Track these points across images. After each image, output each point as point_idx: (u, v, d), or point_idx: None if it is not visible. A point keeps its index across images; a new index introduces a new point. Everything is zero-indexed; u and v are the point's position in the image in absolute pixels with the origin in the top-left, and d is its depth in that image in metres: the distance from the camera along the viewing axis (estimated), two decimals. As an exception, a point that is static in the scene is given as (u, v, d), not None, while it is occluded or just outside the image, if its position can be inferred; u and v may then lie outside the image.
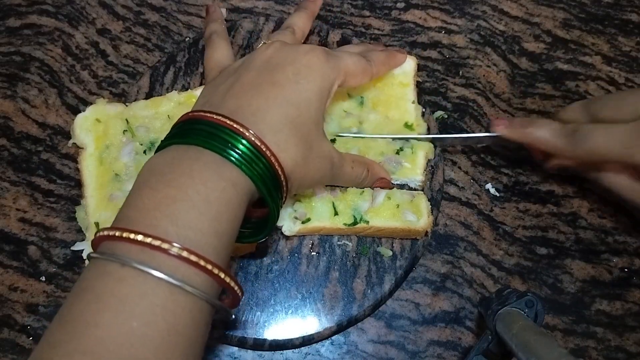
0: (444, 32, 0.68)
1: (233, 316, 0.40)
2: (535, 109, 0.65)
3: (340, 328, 0.53)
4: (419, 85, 0.61)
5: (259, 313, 0.52)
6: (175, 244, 0.33)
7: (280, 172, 0.41)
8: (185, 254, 0.33)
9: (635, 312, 0.56)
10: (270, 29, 0.64)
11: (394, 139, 0.58)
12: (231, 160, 0.39)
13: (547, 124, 0.55)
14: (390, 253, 0.55)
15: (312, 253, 0.55)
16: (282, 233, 0.55)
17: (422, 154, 0.57)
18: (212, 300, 0.35)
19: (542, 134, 0.54)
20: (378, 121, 0.58)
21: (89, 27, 0.67)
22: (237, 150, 0.39)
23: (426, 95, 0.64)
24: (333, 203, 0.54)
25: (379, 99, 0.59)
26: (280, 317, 0.52)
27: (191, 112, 0.43)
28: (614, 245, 0.59)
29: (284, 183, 0.42)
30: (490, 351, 0.47)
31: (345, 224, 0.54)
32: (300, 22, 0.59)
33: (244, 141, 0.39)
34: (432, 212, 0.56)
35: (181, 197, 0.35)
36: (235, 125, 0.40)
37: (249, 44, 0.63)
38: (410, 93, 0.60)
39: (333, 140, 0.57)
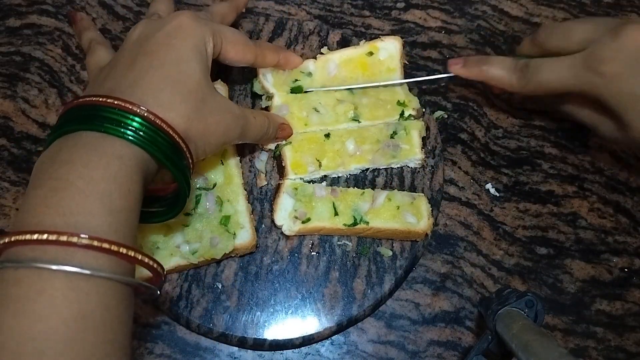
0: (444, 32, 0.68)
1: (158, 292, 0.40)
2: (535, 109, 0.64)
3: (340, 328, 0.53)
4: (406, 67, 0.61)
5: (259, 313, 0.52)
6: (63, 234, 0.33)
7: (172, 133, 0.40)
8: (75, 239, 0.33)
9: (635, 312, 0.56)
10: (270, 29, 0.64)
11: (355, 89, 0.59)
12: (111, 133, 0.38)
13: (500, 61, 0.56)
14: (390, 253, 0.55)
15: (312, 253, 0.55)
16: (282, 233, 0.55)
17: (416, 132, 0.58)
18: (121, 278, 0.35)
19: (495, 72, 0.55)
20: (371, 104, 0.59)
21: (89, 27, 0.66)
22: (115, 122, 0.38)
23: (426, 95, 0.64)
24: (333, 203, 0.54)
25: (368, 87, 0.60)
26: (280, 317, 0.52)
27: (65, 104, 0.42)
28: (614, 245, 0.59)
29: (181, 143, 0.41)
30: (490, 351, 0.47)
31: (345, 225, 0.54)
32: (163, 6, 0.56)
33: (121, 112, 0.39)
34: (432, 213, 0.56)
35: (63, 186, 0.35)
36: (108, 100, 0.39)
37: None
38: (398, 77, 0.60)
39: (327, 135, 0.57)
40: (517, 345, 0.42)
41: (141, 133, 0.39)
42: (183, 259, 0.51)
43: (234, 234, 0.52)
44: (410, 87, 0.61)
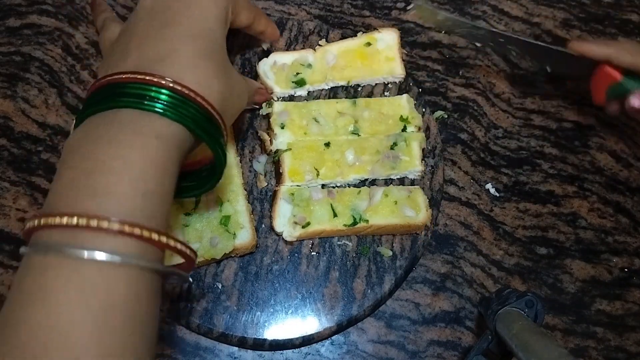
0: (444, 32, 0.68)
1: (191, 280, 0.38)
2: (535, 109, 0.65)
3: (340, 328, 0.53)
4: (404, 60, 0.62)
5: (259, 313, 0.52)
6: (93, 217, 0.31)
7: (211, 110, 0.39)
8: (106, 224, 0.31)
9: (635, 312, 0.56)
10: (270, 29, 0.64)
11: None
12: (152, 111, 0.36)
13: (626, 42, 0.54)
14: (390, 253, 0.55)
15: (312, 253, 0.55)
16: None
17: (416, 144, 0.58)
18: (152, 266, 0.33)
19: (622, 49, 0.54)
20: (372, 118, 0.58)
21: (89, 27, 0.66)
22: (157, 101, 0.36)
23: (426, 95, 0.64)
24: (331, 205, 0.54)
25: (371, 99, 0.60)
26: (280, 317, 0.52)
27: (95, 81, 0.39)
28: (613, 245, 0.59)
29: (219, 120, 0.40)
30: (490, 351, 0.47)
31: (345, 225, 0.54)
32: None
33: (163, 90, 0.36)
34: (432, 212, 0.56)
35: (97, 167, 0.33)
36: (147, 78, 0.37)
37: (249, 44, 0.63)
38: (398, 68, 0.61)
39: (327, 144, 0.57)
40: (517, 345, 0.42)
41: (181, 110, 0.37)
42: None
43: (234, 234, 0.52)
44: (409, 88, 0.61)
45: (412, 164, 0.57)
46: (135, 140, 0.35)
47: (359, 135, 0.58)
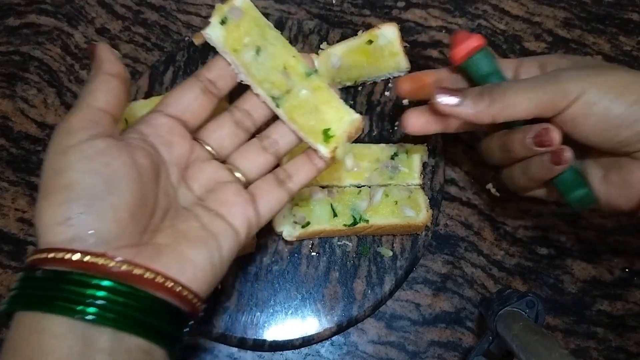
0: (445, 32, 0.68)
1: None
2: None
3: (340, 329, 0.53)
4: (406, 49, 0.61)
5: (258, 314, 0.52)
6: None
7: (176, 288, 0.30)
8: None
9: (636, 312, 0.56)
10: (270, 29, 0.64)
11: None
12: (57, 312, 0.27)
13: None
14: (391, 253, 0.55)
15: (312, 253, 0.55)
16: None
17: (417, 157, 0.57)
18: None
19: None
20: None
21: (88, 27, 0.66)
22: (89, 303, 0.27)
23: (426, 94, 0.64)
24: (331, 205, 0.54)
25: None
26: (280, 317, 0.52)
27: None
28: (614, 245, 0.59)
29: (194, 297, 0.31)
30: (491, 352, 0.47)
31: (345, 225, 0.54)
32: None
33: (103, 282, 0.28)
34: (432, 213, 0.56)
35: None
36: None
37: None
38: (402, 62, 0.60)
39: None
40: (518, 346, 0.41)
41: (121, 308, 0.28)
42: (182, 260, 0.51)
43: (234, 234, 0.52)
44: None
45: (411, 176, 0.57)
46: None
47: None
